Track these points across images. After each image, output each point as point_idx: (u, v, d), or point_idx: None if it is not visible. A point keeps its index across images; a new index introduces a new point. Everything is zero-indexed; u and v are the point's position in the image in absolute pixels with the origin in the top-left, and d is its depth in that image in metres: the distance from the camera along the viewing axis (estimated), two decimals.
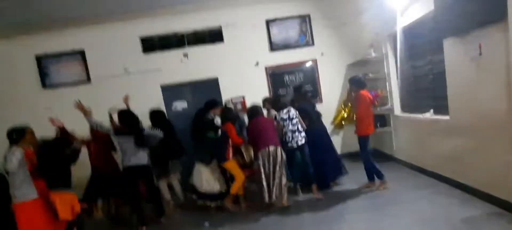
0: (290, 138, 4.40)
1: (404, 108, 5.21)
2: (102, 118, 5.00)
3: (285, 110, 4.48)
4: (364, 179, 4.62)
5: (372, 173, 4.41)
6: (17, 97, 5.71)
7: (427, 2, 3.89)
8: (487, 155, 3.34)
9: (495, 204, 3.30)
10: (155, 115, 4.81)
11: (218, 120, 4.76)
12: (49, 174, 3.54)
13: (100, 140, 4.56)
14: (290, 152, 4.41)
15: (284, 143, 4.39)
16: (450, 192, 3.89)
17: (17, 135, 3.38)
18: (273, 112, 4.78)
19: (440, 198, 3.78)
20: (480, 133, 3.38)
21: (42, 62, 5.79)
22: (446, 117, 3.93)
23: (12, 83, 5.70)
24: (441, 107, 4.12)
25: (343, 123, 6.32)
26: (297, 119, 4.46)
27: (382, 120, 5.62)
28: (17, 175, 3.24)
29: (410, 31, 4.64)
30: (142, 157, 4.20)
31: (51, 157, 3.59)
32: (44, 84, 5.81)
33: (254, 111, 4.49)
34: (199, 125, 4.85)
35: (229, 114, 4.63)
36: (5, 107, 5.61)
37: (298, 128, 4.43)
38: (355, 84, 4.34)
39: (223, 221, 4.15)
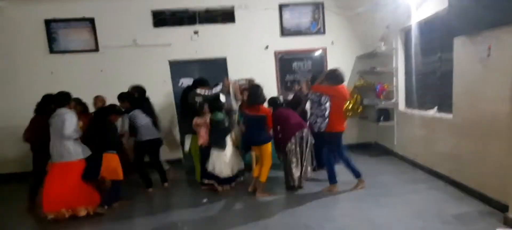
0: (314, 121, 4.39)
1: (409, 103, 5.24)
2: (107, 87, 5.13)
3: (318, 93, 4.33)
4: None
5: (357, 170, 4.22)
6: (23, 60, 5.71)
7: None
8: (485, 156, 3.40)
9: (487, 203, 3.38)
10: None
11: (223, 98, 4.58)
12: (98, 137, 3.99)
13: None
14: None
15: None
16: (445, 188, 3.97)
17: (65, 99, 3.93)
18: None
19: (434, 193, 3.86)
20: (481, 134, 3.43)
21: (51, 27, 5.77)
22: (449, 116, 3.98)
23: (19, 45, 5.70)
24: (445, 105, 4.17)
25: (347, 114, 6.32)
26: (327, 106, 4.35)
27: (386, 114, 5.66)
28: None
29: (422, 27, 4.62)
30: (155, 132, 4.66)
31: (100, 122, 4.05)
32: (51, 49, 5.80)
33: (275, 103, 4.47)
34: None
35: (261, 94, 4.31)
36: (10, 69, 5.68)
37: (324, 114, 4.34)
38: (331, 79, 4.08)
39: (220, 197, 4.26)
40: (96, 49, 5.85)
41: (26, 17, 5.66)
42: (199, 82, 4.89)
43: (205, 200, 4.21)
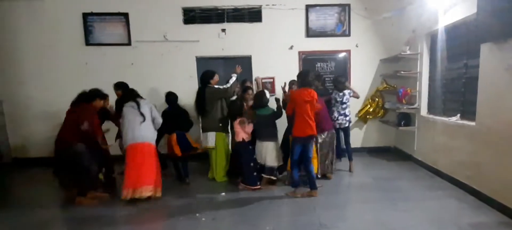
0: (336, 118, 4.96)
1: (431, 109, 5.20)
2: (137, 79, 5.36)
3: (341, 93, 5.05)
4: (378, 172, 4.80)
5: (298, 181, 4.24)
6: (61, 51, 6.06)
7: (471, 4, 3.85)
8: (507, 166, 3.36)
9: (506, 214, 3.34)
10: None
11: (268, 94, 4.73)
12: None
13: None
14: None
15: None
16: (463, 197, 3.94)
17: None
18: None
19: (452, 201, 3.84)
20: (504, 143, 3.39)
21: (88, 20, 6.09)
22: (472, 123, 3.94)
23: (58, 37, 6.05)
24: (469, 113, 4.14)
25: (367, 117, 6.36)
26: (347, 104, 5.08)
27: (407, 119, 5.62)
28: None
29: (449, 32, 4.58)
30: None
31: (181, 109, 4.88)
32: (87, 41, 6.13)
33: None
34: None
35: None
36: (48, 59, 6.05)
37: (345, 113, 5.06)
38: (302, 81, 4.12)
39: (238, 192, 4.36)
40: (129, 43, 6.14)
41: (65, 10, 6.01)
42: (212, 74, 4.86)
43: (223, 194, 4.34)
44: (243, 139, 4.48)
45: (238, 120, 4.53)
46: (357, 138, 6.53)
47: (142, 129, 4.08)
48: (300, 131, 4.00)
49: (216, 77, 4.93)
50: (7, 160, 6.19)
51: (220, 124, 4.77)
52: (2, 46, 6.01)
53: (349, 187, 4.55)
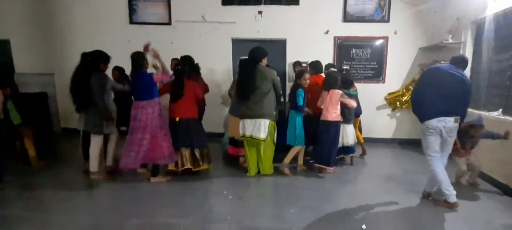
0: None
1: (471, 102, 4.94)
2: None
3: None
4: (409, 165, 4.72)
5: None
6: (107, 28, 6.45)
7: None
8: None
9: None
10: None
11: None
12: None
13: None
14: None
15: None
16: (500, 197, 3.78)
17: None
18: None
19: (487, 200, 3.70)
20: None
21: None
22: None
23: (105, 15, 6.45)
24: None
25: (397, 104, 6.23)
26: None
27: None
28: None
29: (498, 20, 4.31)
30: None
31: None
32: (131, 20, 6.47)
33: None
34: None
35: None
36: (95, 36, 6.41)
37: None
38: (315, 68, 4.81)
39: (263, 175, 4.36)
40: (169, 22, 6.40)
41: None
42: (264, 53, 4.12)
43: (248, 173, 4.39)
44: (334, 118, 4.24)
45: (341, 93, 4.25)
46: (388, 129, 6.43)
47: None
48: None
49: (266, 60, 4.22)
50: (57, 129, 6.79)
51: (274, 112, 4.18)
52: (55, 22, 6.52)
53: (378, 178, 4.47)
